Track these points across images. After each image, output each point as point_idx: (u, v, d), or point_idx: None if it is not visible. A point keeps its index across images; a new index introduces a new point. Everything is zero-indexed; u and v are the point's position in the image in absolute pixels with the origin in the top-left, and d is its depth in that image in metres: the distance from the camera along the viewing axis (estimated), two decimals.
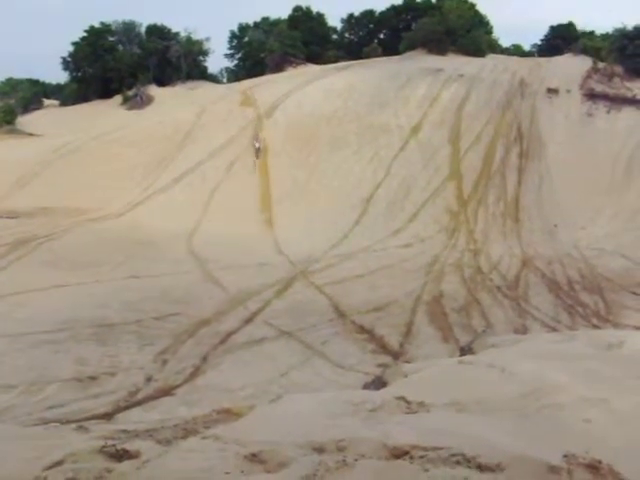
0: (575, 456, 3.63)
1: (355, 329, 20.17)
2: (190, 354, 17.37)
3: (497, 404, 4.36)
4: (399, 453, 3.71)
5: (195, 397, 14.52)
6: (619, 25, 47.21)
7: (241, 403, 8.06)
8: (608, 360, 5.38)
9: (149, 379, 15.62)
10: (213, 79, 60.32)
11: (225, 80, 64.19)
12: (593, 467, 3.54)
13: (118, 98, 50.33)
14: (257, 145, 36.13)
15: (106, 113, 46.88)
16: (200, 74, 56.85)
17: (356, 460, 3.64)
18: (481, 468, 3.51)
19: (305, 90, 43.08)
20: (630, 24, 45.99)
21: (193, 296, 22.25)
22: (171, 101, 46.86)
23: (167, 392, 14.99)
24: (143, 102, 48.06)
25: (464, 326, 20.68)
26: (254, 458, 3.73)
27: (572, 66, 44.15)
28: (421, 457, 3.64)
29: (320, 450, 3.84)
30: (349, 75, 45.03)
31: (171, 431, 4.75)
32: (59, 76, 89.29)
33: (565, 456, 3.62)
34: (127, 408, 13.93)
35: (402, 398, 4.53)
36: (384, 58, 51.00)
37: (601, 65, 44.06)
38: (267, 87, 44.80)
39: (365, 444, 3.84)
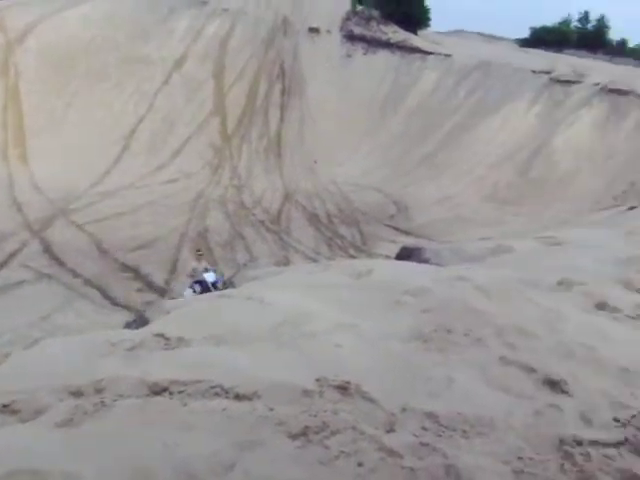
0: (326, 379, 3.84)
1: (119, 268, 19.72)
2: None
3: (255, 335, 4.49)
4: (158, 389, 3.70)
5: None
6: None
7: None
8: (358, 288, 5.73)
9: None
10: None
11: None
12: (342, 388, 3.78)
13: None
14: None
15: None
16: None
17: (115, 400, 3.58)
18: (239, 397, 3.61)
19: (61, 16, 39.98)
20: None
21: None
22: None
23: None
24: None
25: (229, 260, 21.03)
26: (5, 409, 3.53)
27: (332, 7, 45.34)
28: (180, 392, 3.66)
29: (78, 394, 3.72)
30: (109, 3, 42.54)
31: None
32: None
33: (317, 380, 3.82)
34: None
35: (161, 335, 4.51)
36: None
37: (359, 8, 45.76)
38: (18, 10, 40.95)
39: (124, 383, 3.78)
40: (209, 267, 16.59)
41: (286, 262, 20.84)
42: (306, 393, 3.68)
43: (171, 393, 3.66)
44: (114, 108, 35.14)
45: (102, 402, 3.56)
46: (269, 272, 7.27)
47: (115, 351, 4.29)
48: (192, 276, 16.24)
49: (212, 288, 15.57)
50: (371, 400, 3.71)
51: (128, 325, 6.97)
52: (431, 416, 3.62)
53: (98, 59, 37.71)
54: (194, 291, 15.94)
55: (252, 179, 31.55)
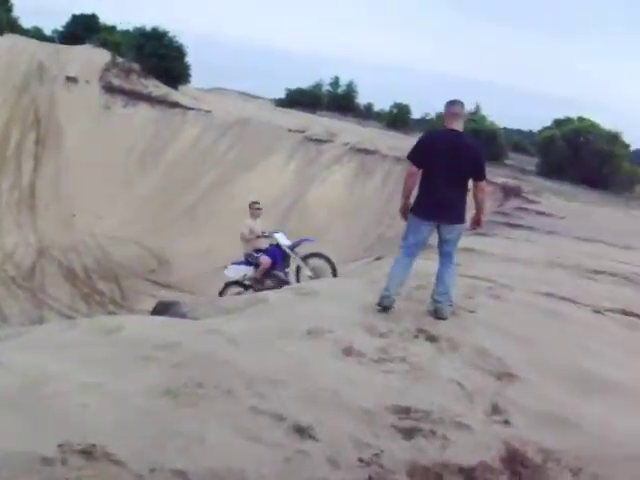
0: (70, 443, 3.67)
1: None
2: None
3: None
4: None
5: None
6: (139, 24, 49.48)
7: None
8: (107, 345, 5.57)
9: None
10: None
11: None
12: (87, 452, 3.63)
13: None
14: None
15: None
16: None
17: None
18: None
19: None
20: (150, 25, 48.45)
21: None
22: None
23: None
24: None
25: None
26: None
27: (92, 57, 44.36)
28: None
29: None
30: None
31: None
32: None
33: (60, 445, 3.63)
34: None
35: None
36: None
37: (120, 60, 45.20)
38: None
39: None
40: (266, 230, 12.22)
41: (41, 321, 19.71)
42: (46, 461, 3.48)
43: None
44: None
45: None
46: (11, 333, 6.82)
47: None
48: (249, 240, 12.17)
49: (291, 253, 11.66)
50: (118, 462, 3.60)
51: None
52: (180, 474, 3.59)
53: None
54: (252, 264, 11.65)
55: (2, 233, 29.54)
